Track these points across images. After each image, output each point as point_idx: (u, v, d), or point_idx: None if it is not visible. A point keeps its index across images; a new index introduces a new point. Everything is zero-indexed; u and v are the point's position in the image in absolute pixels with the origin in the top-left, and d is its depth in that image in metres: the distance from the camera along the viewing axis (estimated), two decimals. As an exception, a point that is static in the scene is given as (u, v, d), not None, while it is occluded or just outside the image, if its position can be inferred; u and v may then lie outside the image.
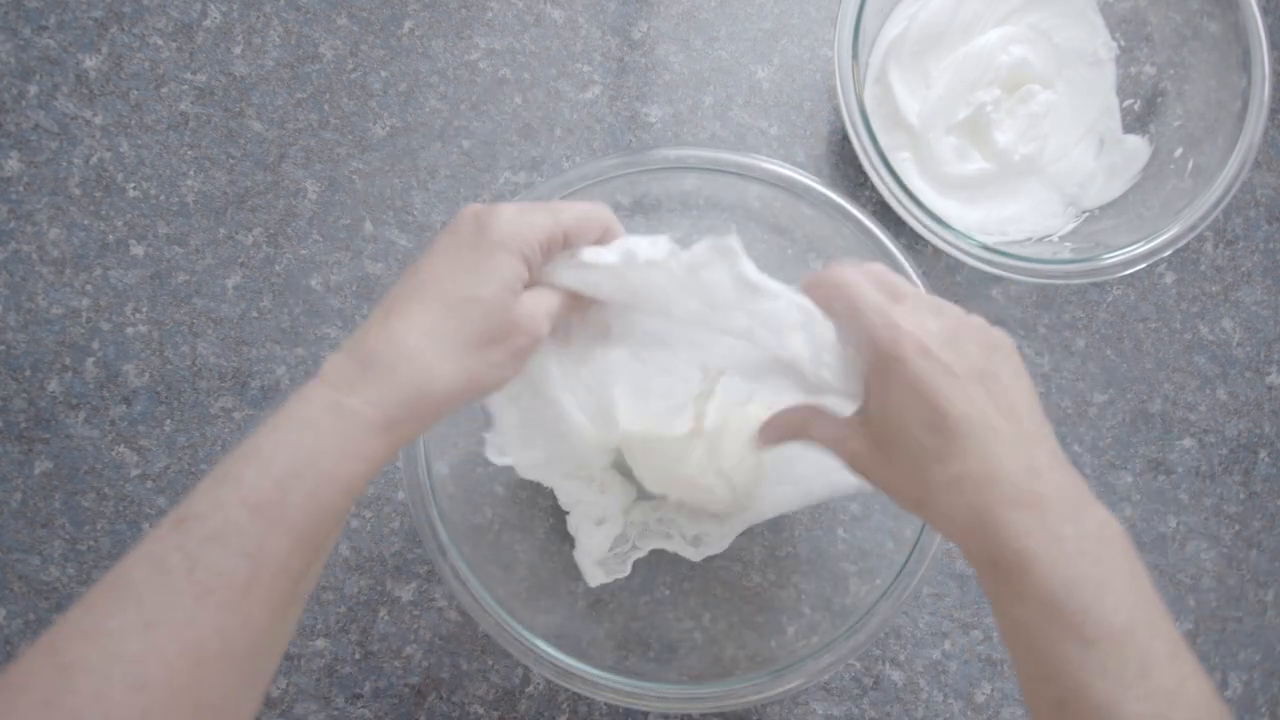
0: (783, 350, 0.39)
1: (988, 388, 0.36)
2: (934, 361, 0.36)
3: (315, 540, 0.33)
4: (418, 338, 0.35)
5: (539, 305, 0.38)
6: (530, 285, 0.39)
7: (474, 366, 0.36)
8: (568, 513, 0.56)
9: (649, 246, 0.39)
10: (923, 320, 0.37)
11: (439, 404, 0.36)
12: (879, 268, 0.39)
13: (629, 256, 0.39)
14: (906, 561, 0.50)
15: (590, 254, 0.39)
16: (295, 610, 0.35)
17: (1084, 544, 0.33)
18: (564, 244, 0.39)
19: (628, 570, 0.55)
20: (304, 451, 0.33)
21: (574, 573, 0.57)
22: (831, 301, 0.39)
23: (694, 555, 0.56)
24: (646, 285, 0.39)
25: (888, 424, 0.37)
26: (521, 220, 0.37)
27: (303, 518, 0.32)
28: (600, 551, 0.55)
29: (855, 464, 0.40)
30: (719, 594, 0.57)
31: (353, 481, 0.34)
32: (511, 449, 0.49)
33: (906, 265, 0.52)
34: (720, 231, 0.38)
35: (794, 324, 0.39)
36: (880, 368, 0.37)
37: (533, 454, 0.49)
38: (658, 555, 0.58)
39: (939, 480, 0.36)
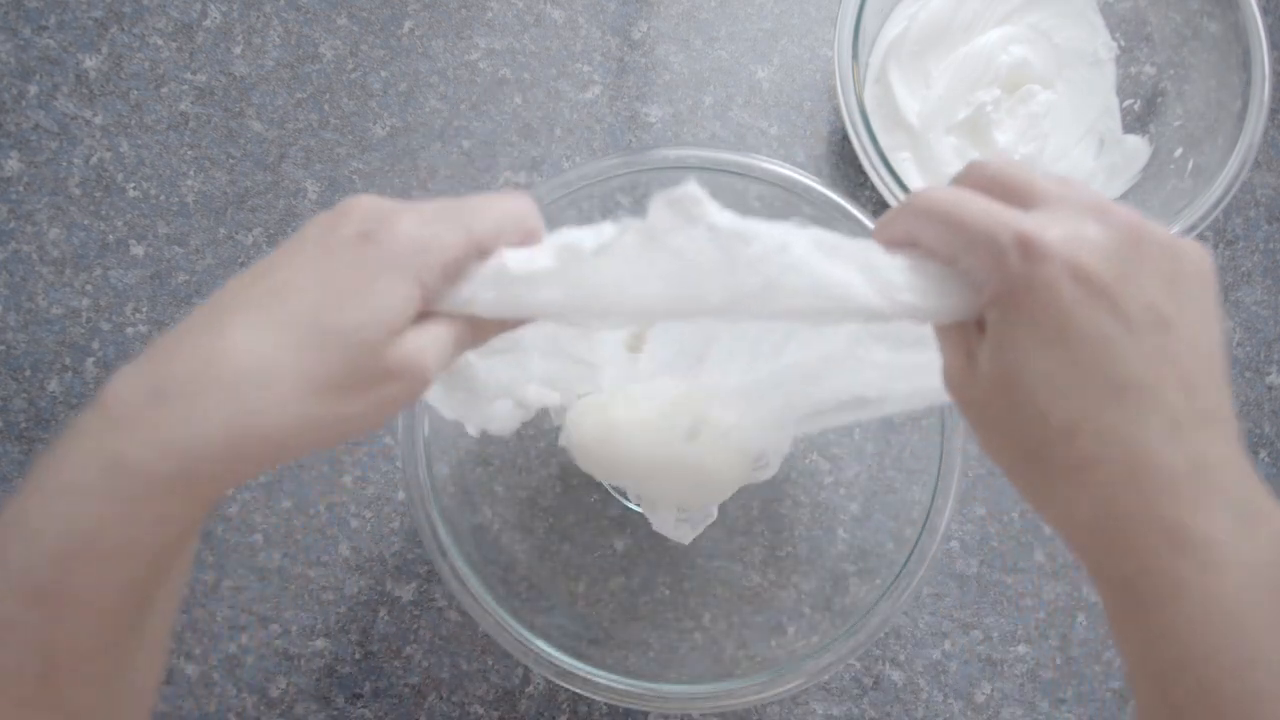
0: (825, 285, 0.28)
1: (1166, 341, 0.25)
2: (1093, 291, 0.25)
3: (128, 608, 0.26)
4: (250, 359, 0.25)
5: (427, 346, 0.28)
6: (422, 317, 0.28)
7: (322, 415, 0.26)
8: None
9: (592, 235, 0.29)
10: (1078, 228, 0.26)
11: (271, 451, 0.26)
12: (992, 165, 0.28)
13: (570, 253, 0.29)
14: (906, 561, 0.50)
15: (516, 260, 0.29)
16: (145, 646, 0.28)
17: (1257, 571, 0.25)
18: (479, 259, 0.29)
19: (714, 514, 0.55)
20: (79, 525, 0.24)
21: (573, 572, 0.57)
22: (922, 234, 0.28)
23: (761, 477, 0.56)
24: (599, 287, 0.29)
25: (1005, 368, 0.27)
26: (424, 234, 0.27)
27: (97, 598, 0.25)
28: (675, 511, 0.54)
29: (956, 395, 0.30)
30: (719, 594, 0.57)
31: (156, 552, 0.26)
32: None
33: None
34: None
35: (814, 250, 0.28)
36: (1005, 299, 0.26)
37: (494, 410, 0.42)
38: (657, 554, 0.58)
39: (1063, 460, 0.26)
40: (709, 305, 0.29)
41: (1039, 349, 0.26)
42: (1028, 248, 0.25)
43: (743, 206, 0.56)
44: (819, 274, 0.28)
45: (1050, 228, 0.26)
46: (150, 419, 0.24)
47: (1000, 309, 0.27)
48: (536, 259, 0.29)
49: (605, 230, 0.29)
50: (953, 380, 0.29)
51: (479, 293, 0.29)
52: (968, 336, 0.29)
